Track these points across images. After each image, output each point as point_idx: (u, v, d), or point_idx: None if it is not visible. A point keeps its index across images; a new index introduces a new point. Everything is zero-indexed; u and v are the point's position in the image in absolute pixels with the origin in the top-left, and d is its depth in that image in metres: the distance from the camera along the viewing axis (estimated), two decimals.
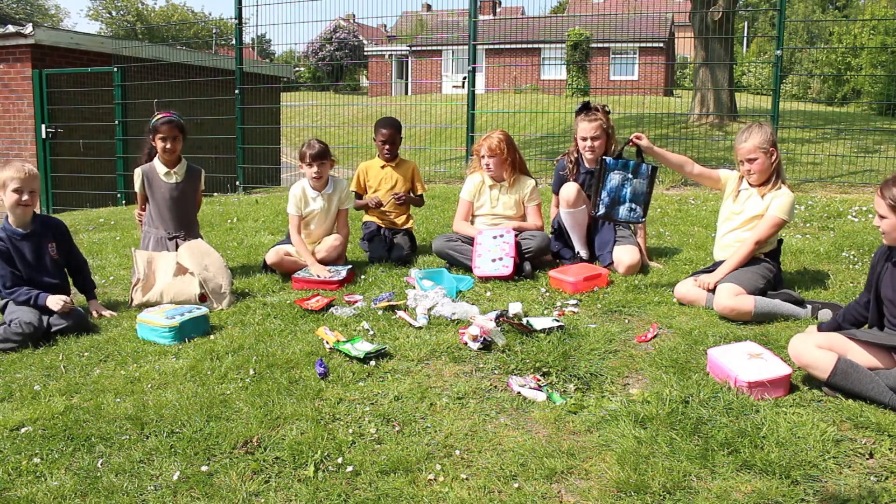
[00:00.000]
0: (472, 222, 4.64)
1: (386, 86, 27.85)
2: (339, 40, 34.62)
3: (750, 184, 3.68)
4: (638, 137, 3.74)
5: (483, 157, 4.47)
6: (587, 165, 4.37)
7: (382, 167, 5.02)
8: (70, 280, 4.03)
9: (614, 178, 3.71)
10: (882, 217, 2.64)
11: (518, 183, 4.57)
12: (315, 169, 4.48)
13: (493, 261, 4.14)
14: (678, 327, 3.30)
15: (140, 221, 4.79)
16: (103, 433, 2.58)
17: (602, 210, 3.68)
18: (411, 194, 5.07)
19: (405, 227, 5.04)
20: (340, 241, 4.60)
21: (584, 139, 4.28)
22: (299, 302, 3.85)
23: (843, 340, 2.63)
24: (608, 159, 3.74)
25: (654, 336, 3.22)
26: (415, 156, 9.61)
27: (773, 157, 3.60)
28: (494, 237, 4.24)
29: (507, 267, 4.08)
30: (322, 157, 4.48)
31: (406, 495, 2.15)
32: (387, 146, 4.96)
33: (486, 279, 4.09)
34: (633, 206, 3.78)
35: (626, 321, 3.44)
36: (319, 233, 4.67)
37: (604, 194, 3.69)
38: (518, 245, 4.21)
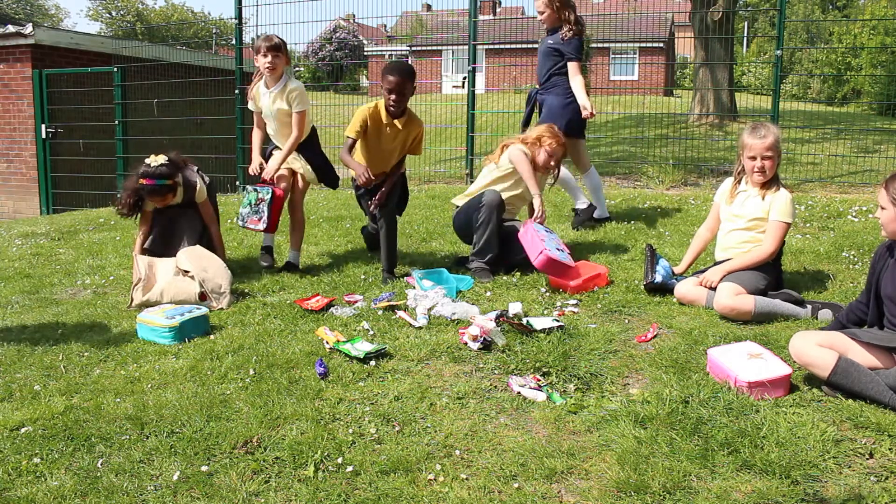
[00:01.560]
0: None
1: None
2: (339, 40, 34.60)
3: (755, 182, 3.66)
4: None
5: (546, 147, 4.39)
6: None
7: (388, 127, 4.24)
8: None
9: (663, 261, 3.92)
10: (882, 208, 2.68)
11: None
12: (269, 59, 4.41)
13: (559, 249, 4.01)
14: (678, 327, 3.30)
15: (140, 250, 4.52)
16: (103, 433, 2.58)
17: (659, 279, 3.81)
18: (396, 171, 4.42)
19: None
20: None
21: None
22: (299, 302, 3.85)
23: (844, 339, 2.63)
24: (657, 254, 3.96)
25: (654, 336, 3.22)
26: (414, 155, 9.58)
27: (780, 158, 3.64)
28: (550, 233, 4.13)
29: (569, 256, 4.00)
30: (278, 49, 4.42)
31: (406, 495, 2.15)
32: (393, 96, 4.11)
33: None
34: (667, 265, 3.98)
35: (626, 321, 3.44)
36: (274, 131, 4.62)
37: (658, 267, 3.85)
38: None
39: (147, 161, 4.31)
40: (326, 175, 4.79)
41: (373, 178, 4.14)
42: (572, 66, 5.07)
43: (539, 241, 3.93)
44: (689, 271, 3.97)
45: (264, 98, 4.58)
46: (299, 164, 4.66)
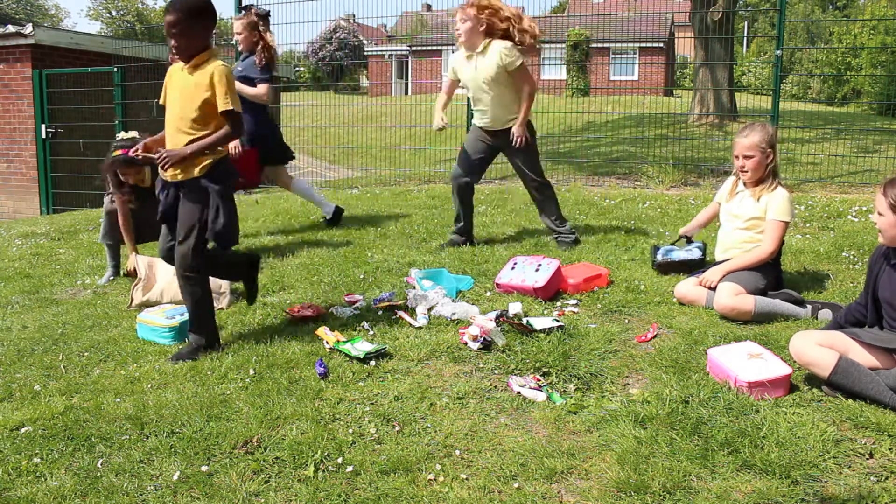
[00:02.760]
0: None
1: (386, 86, 27.80)
2: (339, 40, 34.59)
3: (744, 183, 3.69)
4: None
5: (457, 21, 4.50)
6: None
7: (182, 69, 3.26)
8: None
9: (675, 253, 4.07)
10: (880, 214, 2.66)
11: (490, 49, 4.47)
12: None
13: (536, 270, 3.86)
14: (678, 327, 3.30)
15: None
16: (103, 433, 2.59)
17: (660, 257, 3.99)
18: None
19: (190, 176, 3.21)
20: None
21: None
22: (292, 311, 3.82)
23: (844, 339, 2.63)
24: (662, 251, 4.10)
25: (654, 336, 3.22)
26: (415, 156, 9.57)
27: (770, 158, 3.61)
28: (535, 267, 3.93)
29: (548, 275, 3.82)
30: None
31: (406, 495, 2.15)
32: (172, 41, 3.15)
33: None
34: (691, 247, 4.09)
35: (626, 321, 3.44)
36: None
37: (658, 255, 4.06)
38: None
39: (117, 136, 4.58)
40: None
41: (140, 151, 3.31)
42: (261, 86, 5.21)
43: (507, 270, 3.95)
44: (695, 237, 4.13)
45: None
46: None
